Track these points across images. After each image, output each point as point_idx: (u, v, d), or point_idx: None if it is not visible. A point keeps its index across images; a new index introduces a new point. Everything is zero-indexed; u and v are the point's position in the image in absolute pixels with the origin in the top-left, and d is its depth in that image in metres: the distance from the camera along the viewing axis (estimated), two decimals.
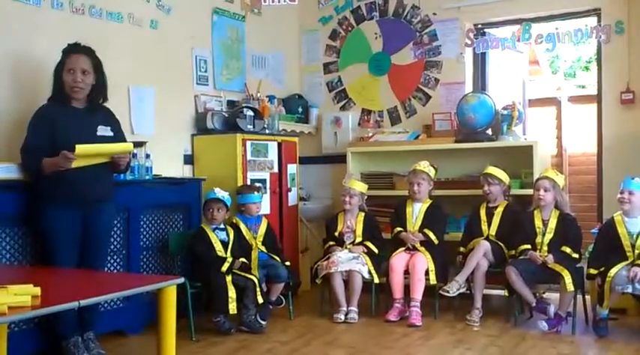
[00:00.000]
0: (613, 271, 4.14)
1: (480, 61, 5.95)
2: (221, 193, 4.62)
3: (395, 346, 4.18)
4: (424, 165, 5.02)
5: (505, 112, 5.36)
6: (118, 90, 4.52)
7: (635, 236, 4.24)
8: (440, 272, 4.76)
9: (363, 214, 5.13)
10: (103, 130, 3.86)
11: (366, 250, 4.94)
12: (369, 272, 4.83)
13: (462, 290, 4.63)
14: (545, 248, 4.48)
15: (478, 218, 4.91)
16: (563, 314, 4.36)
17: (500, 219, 4.82)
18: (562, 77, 12.44)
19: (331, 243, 5.06)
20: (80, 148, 3.45)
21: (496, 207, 4.87)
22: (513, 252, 4.62)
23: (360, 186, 5.19)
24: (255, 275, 4.53)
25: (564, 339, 4.22)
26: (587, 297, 4.58)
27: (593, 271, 4.33)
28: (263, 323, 4.51)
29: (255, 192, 4.89)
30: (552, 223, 4.53)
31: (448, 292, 4.59)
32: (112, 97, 4.09)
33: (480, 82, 5.95)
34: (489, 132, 5.46)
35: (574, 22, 5.59)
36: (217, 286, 4.35)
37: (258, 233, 4.83)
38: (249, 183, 5.08)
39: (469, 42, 5.75)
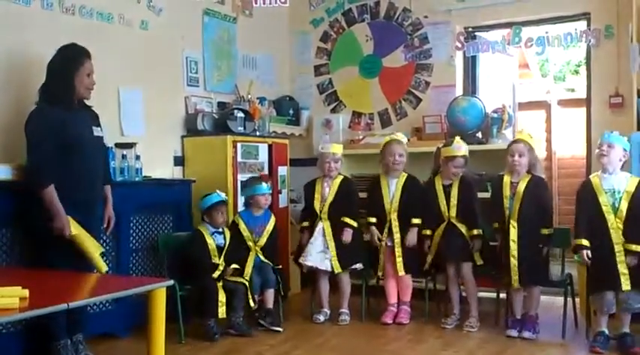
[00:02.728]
0: (598, 298, 4.05)
1: (471, 64, 5.97)
2: (223, 195, 4.59)
3: (385, 349, 4.18)
4: (401, 135, 4.92)
5: (495, 115, 5.38)
6: (107, 91, 4.49)
7: (615, 201, 4.04)
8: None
9: (341, 177, 4.89)
10: (97, 131, 3.86)
11: (350, 239, 4.73)
12: (332, 265, 4.69)
13: (457, 323, 4.61)
14: (514, 222, 4.27)
15: (435, 196, 4.66)
16: (534, 314, 4.34)
17: (458, 196, 4.59)
18: (552, 81, 12.47)
19: (305, 224, 4.88)
20: (77, 235, 3.57)
21: (451, 185, 4.64)
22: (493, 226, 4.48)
23: (340, 149, 4.97)
24: (246, 280, 4.50)
25: (554, 343, 4.23)
26: (577, 300, 4.57)
27: (585, 242, 4.05)
28: (276, 328, 4.52)
29: (264, 183, 4.74)
30: (521, 187, 4.33)
31: (446, 325, 4.59)
32: (102, 98, 4.06)
33: (471, 85, 5.97)
34: (479, 135, 5.48)
35: (564, 26, 5.62)
36: (208, 290, 4.34)
37: (262, 234, 4.70)
38: (239, 185, 5.05)
39: (460, 45, 5.77)
